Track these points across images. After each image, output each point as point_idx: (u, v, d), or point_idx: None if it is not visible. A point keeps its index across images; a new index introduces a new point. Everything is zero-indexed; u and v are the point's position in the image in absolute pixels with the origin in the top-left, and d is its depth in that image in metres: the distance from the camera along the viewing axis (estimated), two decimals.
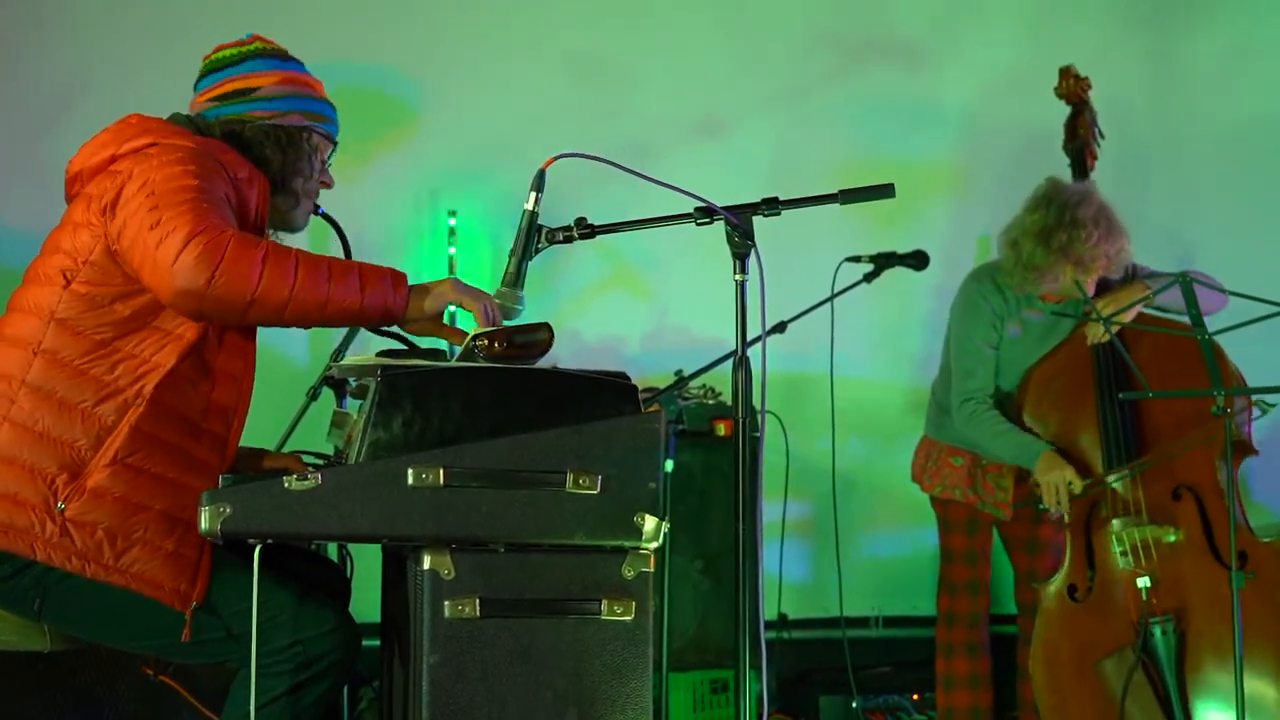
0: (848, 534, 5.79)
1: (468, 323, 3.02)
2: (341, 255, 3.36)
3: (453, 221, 5.74)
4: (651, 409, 2.85)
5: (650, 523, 2.76)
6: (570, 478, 2.73)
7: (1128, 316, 4.58)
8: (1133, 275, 4.74)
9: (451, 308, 3.01)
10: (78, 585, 2.91)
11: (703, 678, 5.28)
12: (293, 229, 3.27)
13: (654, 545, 2.77)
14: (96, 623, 2.99)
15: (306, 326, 2.90)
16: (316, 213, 3.33)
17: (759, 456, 3.07)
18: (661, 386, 4.99)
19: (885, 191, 3.12)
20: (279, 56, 3.27)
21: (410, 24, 5.91)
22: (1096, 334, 4.67)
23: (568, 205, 3.23)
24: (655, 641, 4.61)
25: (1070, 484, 4.58)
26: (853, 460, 5.86)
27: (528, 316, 3.08)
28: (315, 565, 3.24)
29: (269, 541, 2.72)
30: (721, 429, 5.31)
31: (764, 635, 5.16)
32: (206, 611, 2.94)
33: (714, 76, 6.07)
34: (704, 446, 5.25)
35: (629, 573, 2.78)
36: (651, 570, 2.79)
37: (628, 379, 2.84)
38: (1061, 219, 4.57)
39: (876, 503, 6.07)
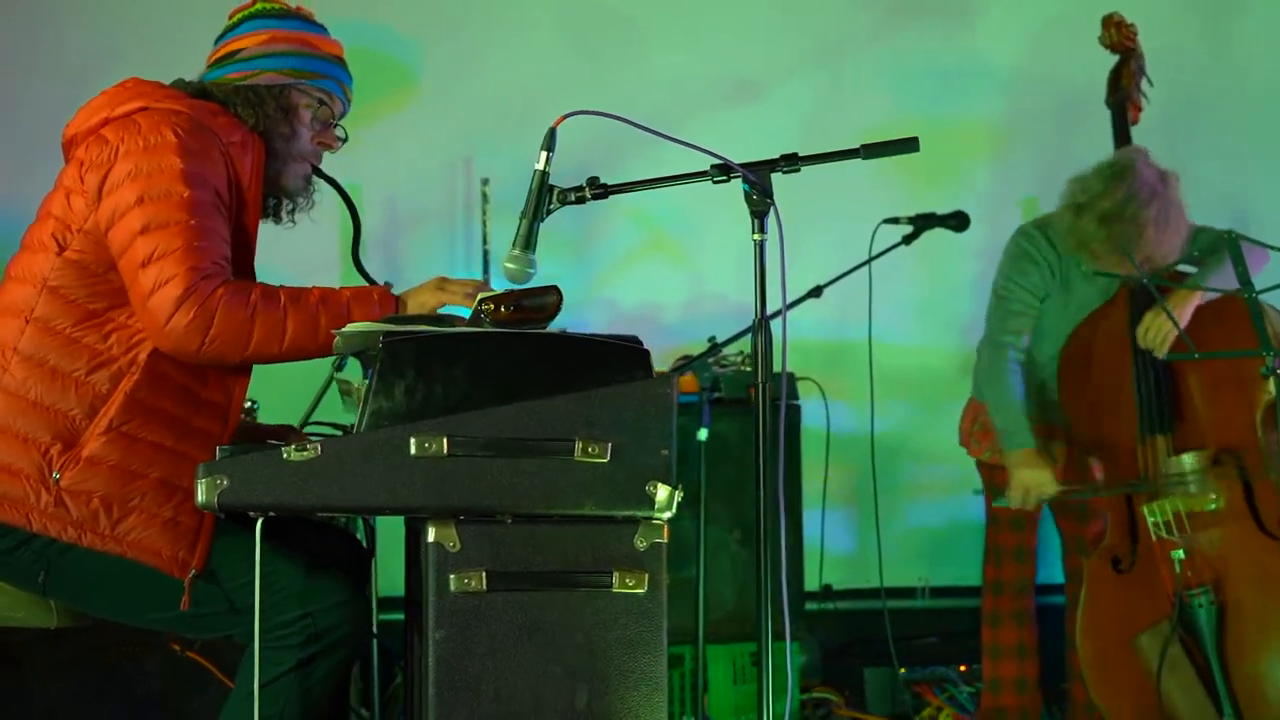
0: (893, 503, 5.70)
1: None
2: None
3: (485, 190, 5.65)
4: (661, 372, 2.75)
5: (663, 492, 2.65)
6: (579, 446, 2.64)
7: (1183, 316, 4.40)
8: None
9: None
10: (79, 557, 2.85)
11: (742, 650, 5.17)
12: (286, 194, 3.19)
13: (667, 515, 2.67)
14: (99, 596, 2.93)
15: (300, 360, 2.92)
16: (311, 178, 3.23)
17: (780, 422, 2.95)
18: (697, 354, 4.90)
19: (909, 145, 3.00)
20: (276, 16, 3.18)
21: None
22: (1157, 332, 4.48)
23: (594, 171, 3.12)
24: (692, 613, 4.73)
25: (1043, 487, 4.46)
26: (896, 427, 5.72)
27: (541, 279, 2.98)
28: (328, 537, 3.16)
29: (271, 514, 2.64)
30: (754, 396, 5.18)
31: (805, 606, 5.32)
32: (207, 581, 2.88)
33: (746, 37, 5.94)
34: (741, 414, 5.09)
35: (641, 544, 2.68)
36: (665, 541, 2.69)
37: (639, 343, 2.75)
38: (1124, 211, 4.38)
39: (922, 470, 5.94)
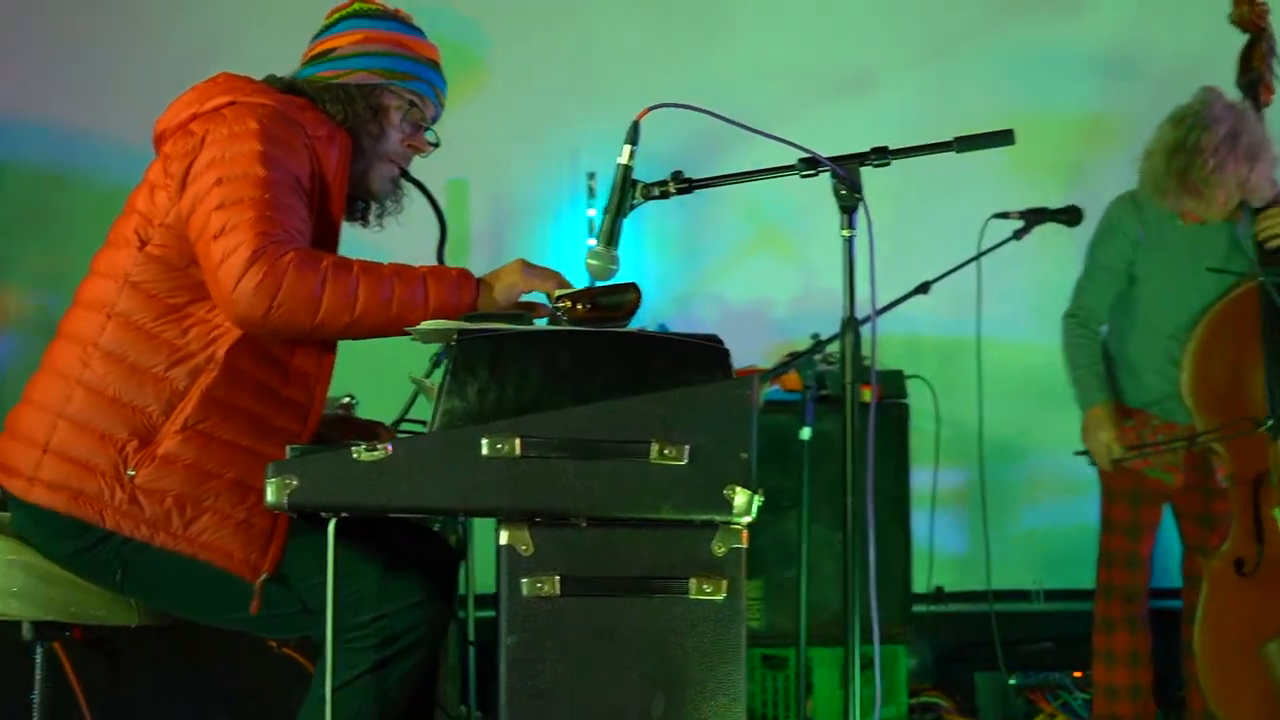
0: (1006, 504, 5.64)
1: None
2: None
3: (592, 184, 5.62)
4: (743, 373, 2.67)
5: (742, 496, 2.58)
6: (655, 448, 2.57)
7: None
8: None
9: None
10: (153, 556, 2.83)
11: None
12: (371, 196, 3.15)
13: (746, 520, 2.59)
14: (174, 595, 2.91)
15: (372, 338, 2.83)
16: (399, 181, 3.18)
17: (870, 421, 2.91)
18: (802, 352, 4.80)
19: (1004, 138, 2.90)
20: (372, 16, 3.15)
21: None
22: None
23: (698, 165, 3.06)
24: (794, 615, 4.66)
25: (1109, 447, 4.33)
26: (1009, 427, 5.64)
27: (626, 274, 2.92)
28: (409, 535, 3.11)
29: (343, 515, 2.60)
30: (866, 394, 5.10)
31: (913, 608, 5.22)
32: (278, 583, 2.85)
33: (853, 28, 5.87)
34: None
35: (719, 549, 2.60)
36: (744, 546, 2.61)
37: (719, 342, 2.67)
38: (1185, 142, 4.28)
39: (1037, 470, 5.85)
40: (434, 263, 3.13)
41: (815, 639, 4.68)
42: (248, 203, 2.76)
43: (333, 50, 3.11)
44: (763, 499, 2.60)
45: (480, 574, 3.50)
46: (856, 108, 5.72)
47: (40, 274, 5.46)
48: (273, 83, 3.06)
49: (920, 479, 5.32)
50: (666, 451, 2.57)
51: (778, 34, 5.82)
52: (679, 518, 2.58)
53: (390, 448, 2.54)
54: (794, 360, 4.66)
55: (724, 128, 2.91)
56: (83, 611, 2.96)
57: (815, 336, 4.70)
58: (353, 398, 4.51)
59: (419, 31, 3.18)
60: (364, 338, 2.84)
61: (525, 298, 2.91)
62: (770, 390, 4.85)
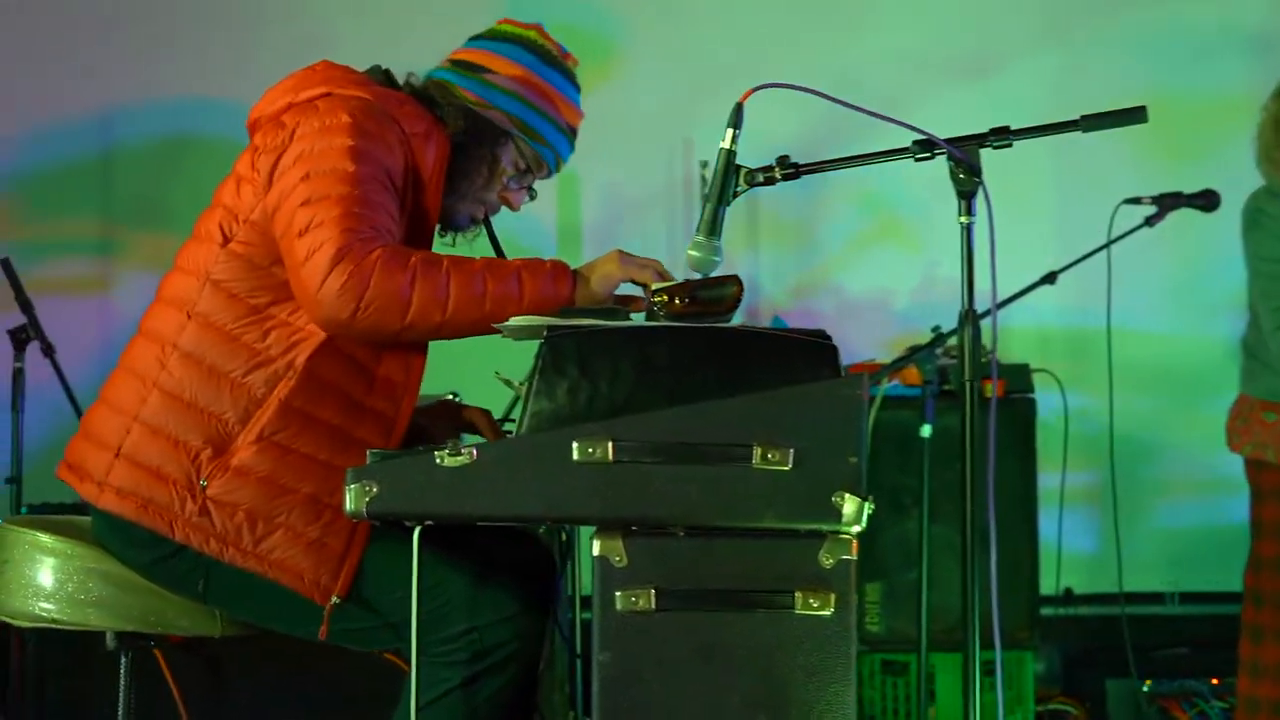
0: (1139, 502, 5.44)
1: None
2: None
3: (705, 174, 5.47)
4: (860, 369, 2.49)
5: (851, 504, 2.40)
6: (758, 451, 2.40)
7: None
8: None
9: None
10: (226, 570, 2.71)
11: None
12: (446, 225, 2.99)
13: (856, 529, 2.41)
14: (250, 608, 2.79)
15: (464, 337, 2.69)
16: (479, 223, 3.02)
17: (991, 417, 2.71)
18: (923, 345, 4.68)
19: (1135, 115, 2.71)
20: (542, 56, 2.97)
21: None
22: None
23: (815, 151, 2.91)
24: (916, 619, 4.51)
25: None
26: (1143, 422, 5.45)
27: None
28: (503, 540, 2.95)
29: (428, 523, 2.46)
30: (989, 389, 4.92)
31: (1041, 611, 5.05)
32: (354, 602, 2.71)
33: (973, 9, 5.68)
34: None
35: (827, 561, 2.43)
36: (854, 558, 2.44)
37: (826, 338, 2.49)
38: None
39: (1172, 467, 5.63)
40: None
41: (937, 644, 4.54)
42: (334, 199, 2.62)
43: (488, 71, 2.94)
44: (873, 506, 2.43)
45: (587, 575, 3.36)
46: (974, 93, 5.55)
47: None
48: (375, 75, 2.92)
49: (1047, 477, 5.13)
50: (770, 455, 2.40)
51: (894, 18, 5.68)
52: (783, 527, 2.42)
53: (475, 452, 2.40)
54: (913, 355, 4.52)
55: (842, 117, 2.77)
56: (164, 621, 2.84)
57: (936, 329, 4.55)
58: (456, 396, 4.40)
59: (577, 91, 3.02)
60: (456, 337, 2.70)
61: (623, 290, 2.75)
62: (890, 385, 4.69)
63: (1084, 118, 2.73)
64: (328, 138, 2.68)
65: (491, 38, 3.00)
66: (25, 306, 4.49)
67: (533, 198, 3.04)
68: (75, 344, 4.81)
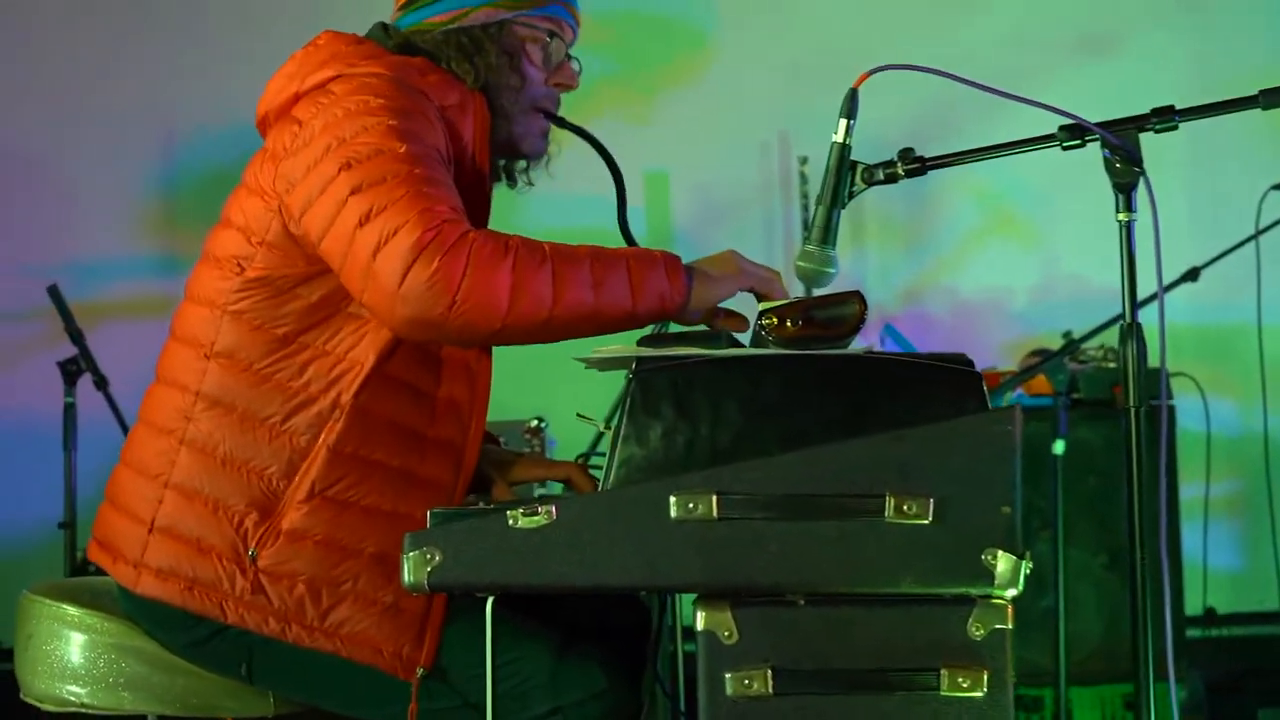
0: None
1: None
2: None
3: (804, 169, 5.18)
4: (1006, 406, 2.11)
5: (1005, 562, 2.01)
6: (891, 503, 2.01)
7: None
8: None
9: None
10: (285, 649, 2.34)
11: (1113, 692, 4.66)
12: (523, 155, 2.58)
13: (1011, 593, 2.02)
14: (313, 690, 2.41)
15: (562, 340, 2.28)
16: (553, 124, 2.59)
17: (1162, 431, 2.36)
18: (1053, 348, 4.52)
19: None
20: None
21: None
22: None
23: (927, 143, 2.53)
24: (1051, 650, 4.18)
25: None
26: None
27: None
28: (592, 600, 2.57)
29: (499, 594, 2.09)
30: (1127, 398, 4.59)
31: (1185, 634, 4.73)
32: (437, 677, 2.33)
33: None
34: (1104, 419, 4.59)
35: (977, 631, 2.04)
36: (1009, 627, 2.04)
37: (969, 364, 2.10)
38: None
39: None
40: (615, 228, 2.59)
41: (1074, 677, 4.32)
42: (394, 180, 2.22)
43: None
44: (1031, 564, 2.04)
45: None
46: (1098, 72, 5.26)
47: None
48: (381, 40, 2.51)
49: (1187, 488, 4.92)
50: (906, 507, 2.01)
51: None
52: (924, 592, 2.03)
53: (555, 510, 2.03)
54: (1042, 363, 4.21)
55: (957, 101, 2.42)
56: (208, 703, 2.47)
57: (1067, 335, 4.27)
58: (542, 421, 4.06)
59: None
60: (556, 340, 2.27)
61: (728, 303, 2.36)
62: (1014, 396, 4.36)
63: (1263, 93, 2.33)
64: (359, 120, 2.29)
65: None
66: (76, 337, 4.20)
67: (578, 71, 2.60)
68: (133, 374, 4.52)
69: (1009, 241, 5.41)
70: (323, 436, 2.34)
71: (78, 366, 4.19)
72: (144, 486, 2.40)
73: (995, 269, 5.40)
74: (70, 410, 4.20)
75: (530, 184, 2.65)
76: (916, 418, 2.05)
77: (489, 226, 2.49)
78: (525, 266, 2.18)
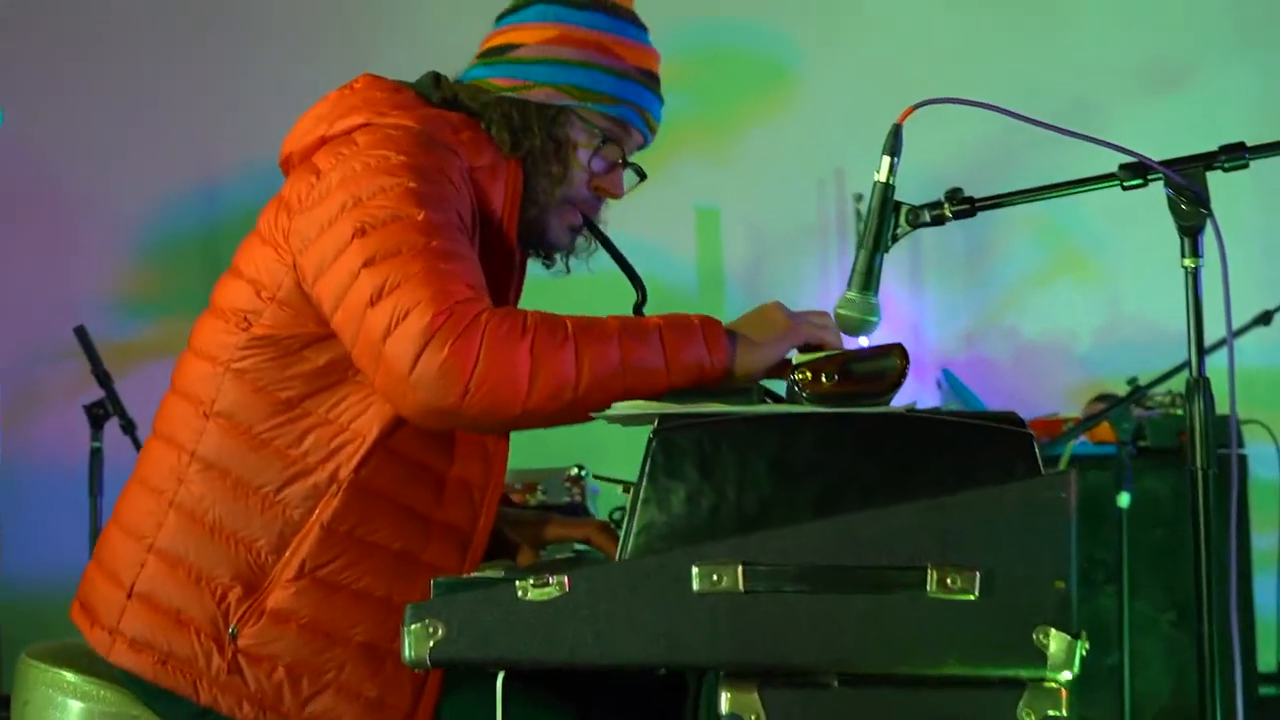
0: None
1: None
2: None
3: (860, 208, 5.08)
4: (1043, 424, 1.95)
5: (1058, 642, 1.84)
6: (934, 575, 1.85)
7: None
8: None
9: None
10: None
11: None
12: (545, 247, 2.44)
13: (1066, 676, 1.85)
14: None
15: (578, 423, 2.14)
16: (580, 231, 2.45)
17: (1232, 482, 2.43)
18: (1118, 393, 4.32)
19: None
20: (569, 3, 2.38)
21: None
22: None
23: (981, 182, 2.40)
24: (1116, 709, 4.03)
25: None
26: None
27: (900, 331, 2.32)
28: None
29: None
30: (1201, 447, 4.43)
31: (1258, 692, 4.55)
32: None
33: (1166, 12, 5.22)
34: (1172, 468, 4.48)
35: (1027, 718, 1.86)
36: (1064, 714, 1.87)
37: (1019, 423, 1.93)
38: None
39: None
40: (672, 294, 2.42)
41: None
42: (409, 254, 2.08)
43: (514, 48, 2.38)
44: (1087, 645, 1.86)
45: None
46: (1167, 107, 5.16)
47: None
48: (424, 90, 2.37)
49: (1261, 539, 4.82)
50: (950, 580, 1.85)
51: (1072, 21, 5.30)
52: (969, 674, 1.86)
53: (568, 582, 1.87)
54: (1106, 410, 4.06)
55: (1011, 138, 2.25)
56: None
57: (1133, 380, 4.12)
58: (583, 469, 3.92)
59: (638, 29, 2.42)
60: (581, 422, 2.13)
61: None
62: (1078, 443, 4.19)
63: None
64: (378, 180, 2.14)
65: (514, 9, 2.43)
66: (103, 379, 4.07)
67: (641, 176, 2.45)
68: None
69: (1072, 282, 5.30)
70: (317, 512, 2.19)
71: (105, 410, 4.08)
72: (128, 548, 2.27)
73: (1058, 310, 5.29)
74: (97, 455, 4.09)
75: (567, 271, 2.50)
76: (962, 482, 1.88)
77: (522, 296, 2.36)
78: (545, 346, 2.03)
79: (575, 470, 4.02)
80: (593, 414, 2.07)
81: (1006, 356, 5.24)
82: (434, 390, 2.01)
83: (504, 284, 2.31)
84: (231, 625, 2.17)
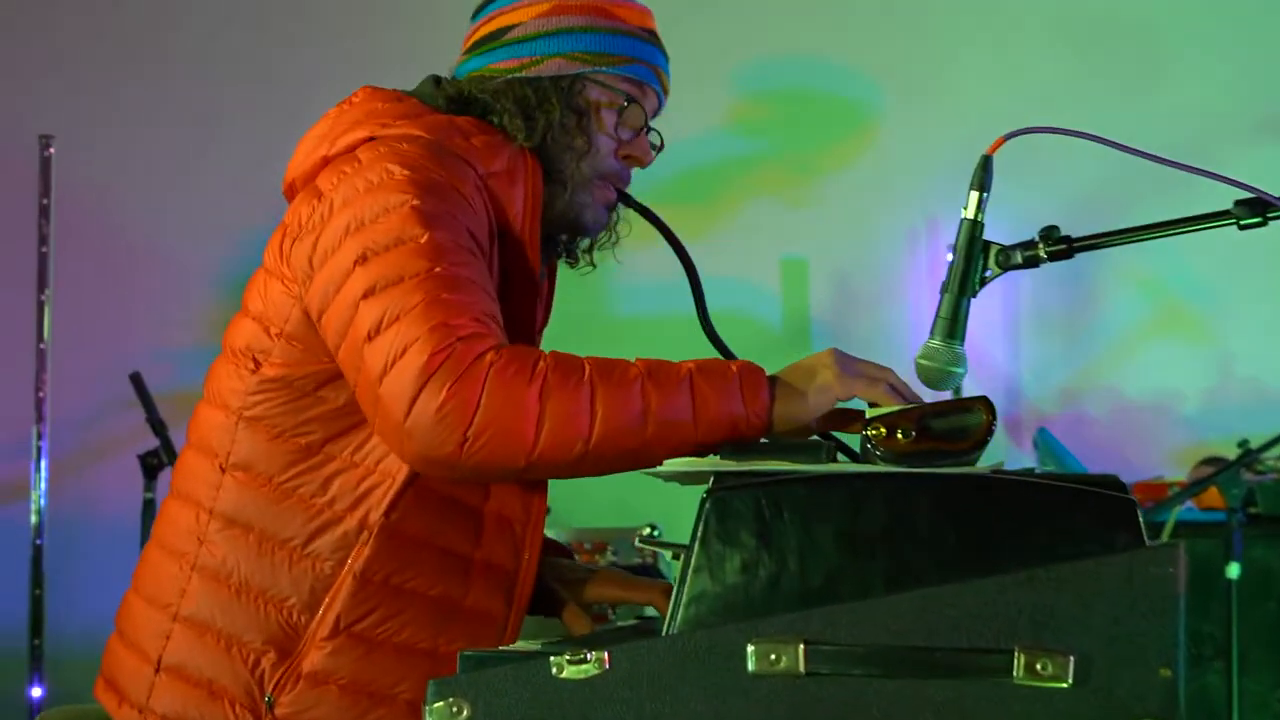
0: None
1: None
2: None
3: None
4: (1147, 488, 1.74)
5: None
6: (1021, 660, 1.64)
7: None
8: None
9: None
10: None
11: None
12: (580, 232, 2.25)
13: None
14: None
15: (614, 473, 1.95)
16: (618, 204, 2.26)
17: None
18: (1227, 456, 4.08)
19: None
20: None
21: (867, 6, 5.09)
22: None
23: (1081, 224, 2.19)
24: None
25: None
26: None
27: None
28: None
29: None
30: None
31: None
32: None
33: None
34: None
35: None
36: None
37: (1121, 488, 1.72)
38: None
39: None
40: (695, 326, 2.22)
41: None
42: (411, 283, 1.91)
43: (510, 29, 2.20)
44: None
45: None
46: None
47: None
48: (428, 97, 2.19)
49: None
50: (1040, 666, 1.64)
51: (1184, 63, 5.08)
52: None
53: (608, 659, 1.68)
54: (1215, 475, 3.84)
55: (1111, 183, 2.04)
56: None
57: (1243, 443, 3.93)
58: (655, 528, 3.74)
59: None
60: (598, 475, 1.95)
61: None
62: (1183, 510, 3.98)
63: None
64: (381, 199, 1.97)
65: None
66: (158, 427, 3.94)
67: (660, 147, 2.27)
68: None
69: (1178, 337, 5.07)
70: (349, 562, 2.02)
71: (159, 460, 3.94)
72: (152, 618, 2.10)
73: (1162, 368, 5.05)
74: (150, 506, 3.95)
75: (593, 265, 2.32)
76: (1055, 554, 1.67)
77: (536, 318, 2.19)
78: (556, 391, 1.85)
79: (647, 529, 3.84)
80: (645, 470, 1.88)
81: (1106, 416, 5.01)
82: (429, 438, 1.84)
83: (529, 299, 2.13)
84: (268, 693, 2.00)
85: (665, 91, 2.26)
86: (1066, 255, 2.00)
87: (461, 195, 2.01)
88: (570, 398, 1.85)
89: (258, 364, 2.06)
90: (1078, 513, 1.69)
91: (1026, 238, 2.03)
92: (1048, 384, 5.04)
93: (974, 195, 2.01)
